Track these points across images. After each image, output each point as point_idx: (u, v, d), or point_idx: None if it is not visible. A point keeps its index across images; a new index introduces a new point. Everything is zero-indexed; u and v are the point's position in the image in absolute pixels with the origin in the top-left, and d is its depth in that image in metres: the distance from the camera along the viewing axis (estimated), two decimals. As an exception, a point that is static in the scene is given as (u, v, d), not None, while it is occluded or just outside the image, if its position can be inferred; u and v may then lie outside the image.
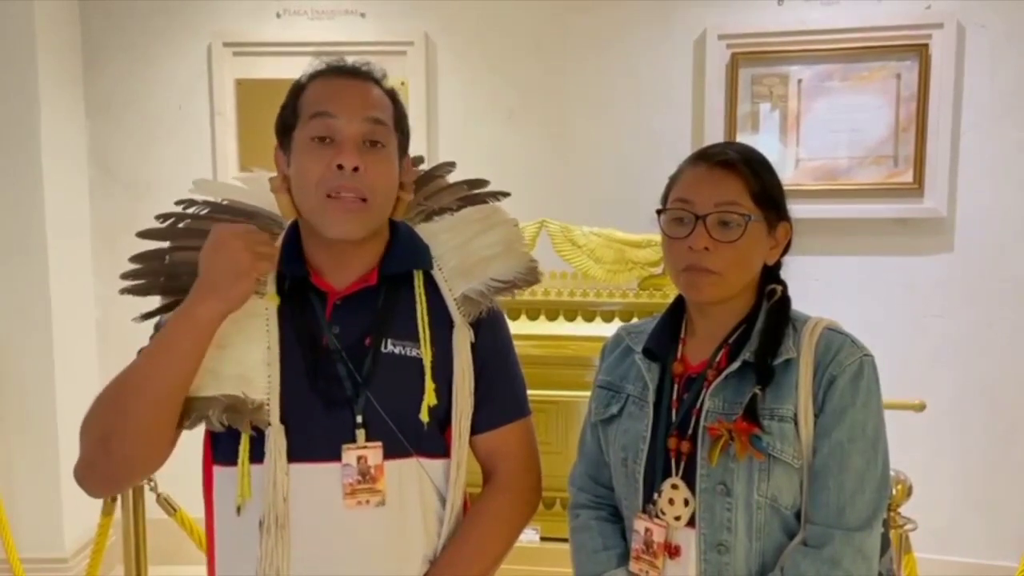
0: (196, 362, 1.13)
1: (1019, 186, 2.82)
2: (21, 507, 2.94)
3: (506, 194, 1.40)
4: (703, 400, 1.21)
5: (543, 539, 2.38)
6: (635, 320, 1.94)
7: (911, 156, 2.85)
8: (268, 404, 1.17)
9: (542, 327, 2.55)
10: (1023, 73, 2.79)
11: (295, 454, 1.17)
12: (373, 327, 1.22)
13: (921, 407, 2.31)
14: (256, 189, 1.35)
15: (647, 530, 1.22)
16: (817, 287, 2.70)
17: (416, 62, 3.04)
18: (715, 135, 2.89)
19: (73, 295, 3.08)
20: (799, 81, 2.90)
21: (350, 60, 1.24)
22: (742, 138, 2.90)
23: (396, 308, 1.24)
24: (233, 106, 3.12)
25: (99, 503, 2.43)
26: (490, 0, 3.04)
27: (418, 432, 1.22)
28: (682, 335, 1.30)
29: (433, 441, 1.24)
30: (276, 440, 1.16)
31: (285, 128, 1.22)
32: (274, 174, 1.27)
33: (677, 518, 1.20)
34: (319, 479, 1.18)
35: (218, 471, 1.21)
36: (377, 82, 1.23)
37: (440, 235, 1.31)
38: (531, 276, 1.31)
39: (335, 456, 1.18)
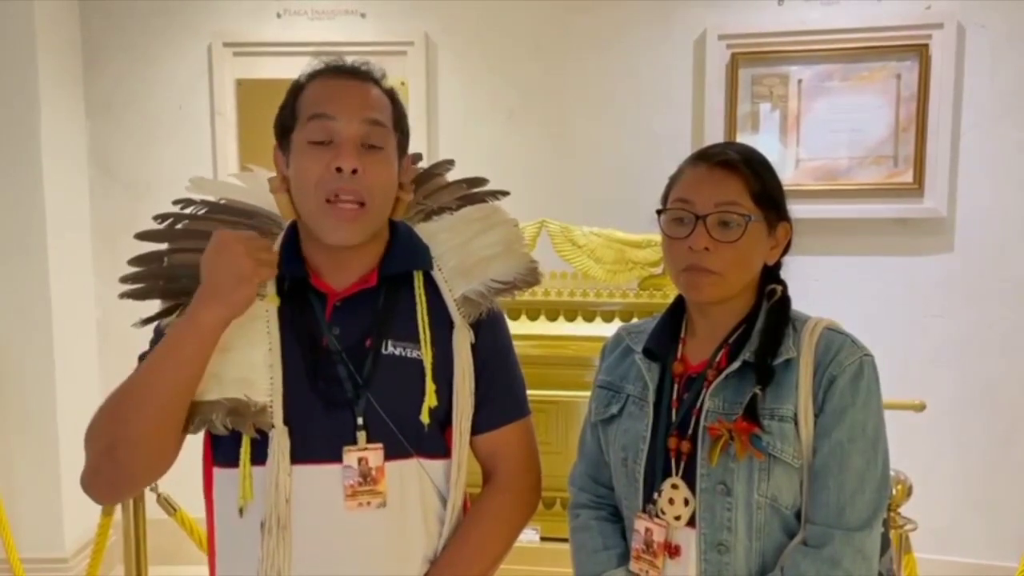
0: (200, 368, 1.13)
1: (1019, 186, 2.82)
2: (21, 507, 2.94)
3: (505, 193, 1.40)
4: (703, 400, 1.21)
5: (543, 539, 2.38)
6: (635, 320, 1.94)
7: (911, 156, 2.85)
8: (271, 406, 1.17)
9: (542, 327, 2.55)
10: (1023, 73, 2.79)
11: (296, 455, 1.17)
12: (373, 328, 1.22)
13: (921, 407, 2.31)
14: (254, 187, 1.35)
15: (647, 530, 1.23)
16: (817, 287, 2.69)
17: (416, 62, 3.04)
18: (715, 135, 2.89)
19: (73, 295, 3.08)
20: (799, 81, 2.90)
21: (349, 60, 1.24)
22: (742, 138, 2.90)
23: (396, 309, 1.24)
24: (233, 106, 3.12)
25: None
26: (490, 0, 3.04)
27: (419, 433, 1.21)
28: (682, 335, 1.30)
29: (434, 442, 1.23)
30: (280, 442, 1.16)
31: (284, 129, 1.22)
32: (272, 172, 1.27)
33: (677, 518, 1.21)
34: (320, 480, 1.17)
35: (218, 473, 1.21)
36: (376, 82, 1.23)
37: (439, 235, 1.31)
38: (531, 277, 1.31)
39: (336, 457, 1.18)
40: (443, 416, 1.24)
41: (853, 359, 1.17)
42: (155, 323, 1.27)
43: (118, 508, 2.39)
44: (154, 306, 1.28)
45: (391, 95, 1.24)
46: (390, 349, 1.22)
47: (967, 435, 2.92)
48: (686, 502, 1.20)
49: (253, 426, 1.16)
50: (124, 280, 1.27)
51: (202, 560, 1.34)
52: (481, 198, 1.37)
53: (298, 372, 1.19)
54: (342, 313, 1.22)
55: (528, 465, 1.32)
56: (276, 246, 1.26)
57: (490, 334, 1.29)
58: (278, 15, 3.10)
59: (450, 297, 1.26)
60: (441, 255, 1.29)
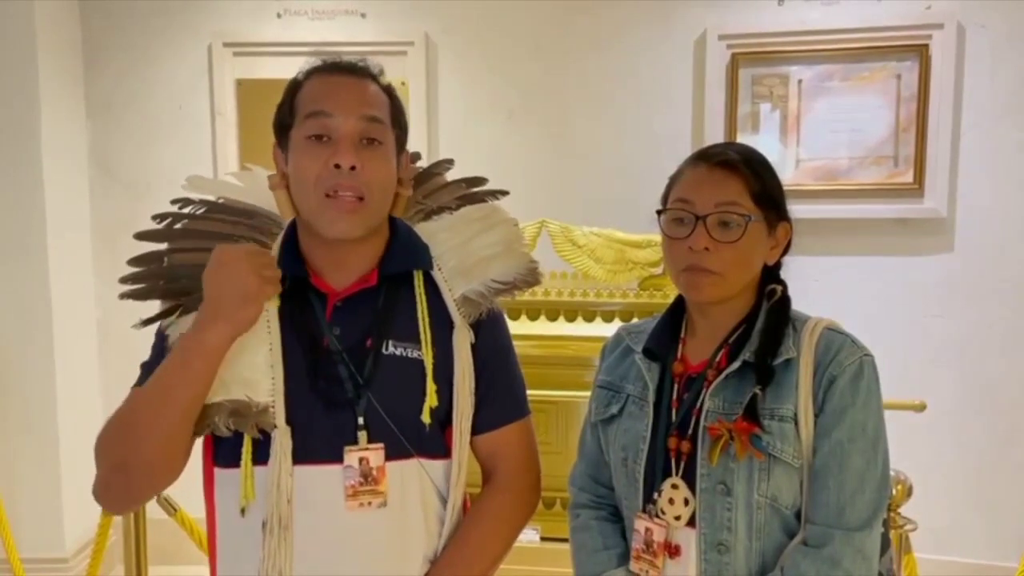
0: (207, 385, 1.13)
1: (1019, 186, 2.82)
2: (22, 507, 2.94)
3: (505, 192, 1.39)
4: (703, 400, 1.21)
5: (543, 539, 2.38)
6: (635, 320, 1.94)
7: (911, 156, 2.85)
8: (273, 406, 1.17)
9: (542, 327, 2.55)
10: (1023, 73, 2.79)
11: (297, 456, 1.17)
12: (374, 328, 1.22)
13: (921, 407, 2.31)
14: (251, 186, 1.35)
15: (647, 530, 1.23)
16: (817, 287, 2.69)
17: (416, 62, 3.04)
18: (715, 135, 2.89)
19: (74, 295, 3.08)
20: (799, 81, 2.90)
21: (346, 57, 1.24)
22: (742, 138, 2.90)
23: (396, 309, 1.24)
24: (233, 106, 3.12)
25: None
26: (490, 0, 3.04)
27: (419, 433, 1.21)
28: (682, 335, 1.30)
29: (434, 442, 1.23)
30: (282, 442, 1.16)
31: (282, 126, 1.22)
32: (271, 171, 1.27)
33: (677, 518, 1.21)
34: (321, 481, 1.18)
35: (219, 473, 1.21)
36: (374, 78, 1.23)
37: (439, 234, 1.31)
38: (531, 277, 1.31)
39: (337, 458, 1.18)
40: (443, 416, 1.24)
41: (853, 359, 1.18)
42: (157, 324, 1.27)
43: (118, 508, 2.39)
44: (154, 306, 1.28)
45: (388, 91, 1.24)
46: (391, 349, 1.22)
47: (967, 435, 2.92)
48: (686, 502, 1.20)
49: (255, 426, 1.16)
50: (124, 280, 1.27)
51: (202, 560, 1.34)
52: (481, 198, 1.37)
53: (299, 372, 1.19)
54: (342, 313, 1.22)
55: (528, 465, 1.32)
56: (276, 246, 1.26)
57: (490, 334, 1.29)
58: (278, 15, 3.11)
59: (450, 297, 1.26)
60: (441, 255, 1.28)
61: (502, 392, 1.29)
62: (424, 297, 1.25)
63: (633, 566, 1.25)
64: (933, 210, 2.85)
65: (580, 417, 1.46)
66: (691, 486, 1.20)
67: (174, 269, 1.27)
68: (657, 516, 1.22)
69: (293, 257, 1.23)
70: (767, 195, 1.22)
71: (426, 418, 1.21)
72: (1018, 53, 2.78)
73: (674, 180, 1.27)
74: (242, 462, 1.17)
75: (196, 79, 3.14)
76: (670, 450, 1.22)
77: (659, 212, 1.27)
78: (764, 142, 2.88)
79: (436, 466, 1.24)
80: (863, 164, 2.89)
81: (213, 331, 1.10)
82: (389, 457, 1.19)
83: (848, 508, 1.14)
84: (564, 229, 2.69)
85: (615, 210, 2.73)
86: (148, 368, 1.23)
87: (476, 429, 1.27)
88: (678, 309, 1.32)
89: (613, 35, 3.01)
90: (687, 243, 1.19)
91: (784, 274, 1.30)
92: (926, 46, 2.79)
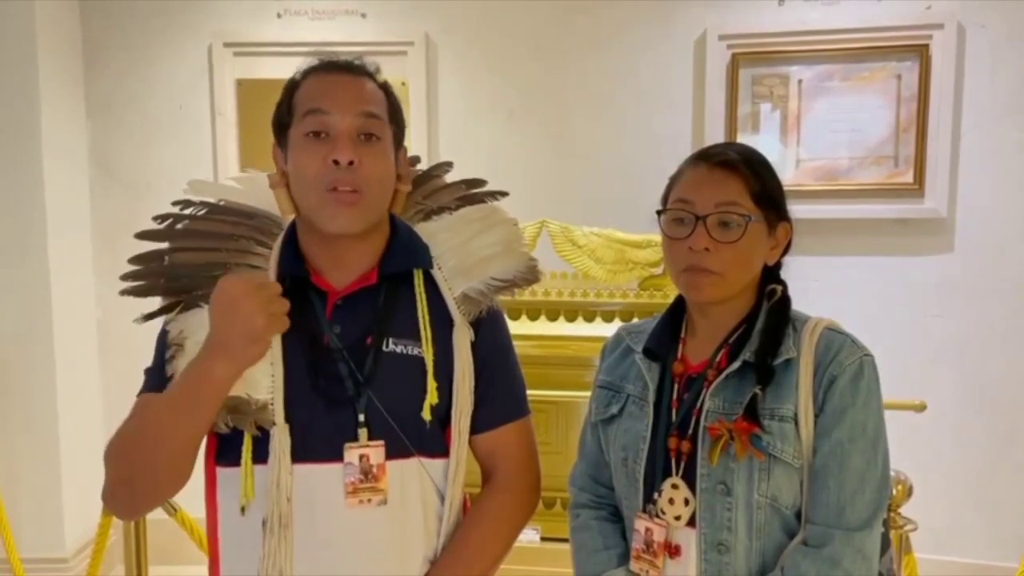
0: (214, 414, 1.14)
1: (1019, 186, 2.82)
2: (22, 507, 2.94)
3: (504, 193, 1.40)
4: (703, 400, 1.21)
5: (543, 539, 2.38)
6: (635, 320, 1.94)
7: (911, 156, 2.85)
8: (272, 404, 1.17)
9: (542, 327, 2.55)
10: (1023, 73, 2.79)
11: (297, 454, 1.17)
12: (374, 326, 1.22)
13: (922, 407, 2.31)
14: (252, 189, 1.35)
15: (647, 530, 1.23)
16: (817, 287, 2.69)
17: (416, 62, 3.04)
18: (715, 135, 2.89)
19: (74, 295, 3.08)
20: (800, 81, 2.90)
21: (343, 57, 1.25)
22: (742, 138, 2.90)
23: (397, 307, 1.24)
24: (234, 106, 3.13)
25: (100, 502, 2.43)
26: (490, 0, 3.04)
27: (420, 431, 1.22)
28: (682, 335, 1.30)
29: (434, 440, 1.24)
30: (280, 440, 1.16)
31: (281, 125, 1.23)
32: (270, 173, 1.27)
33: (677, 518, 1.21)
34: (321, 479, 1.18)
35: (221, 472, 1.21)
36: (370, 76, 1.24)
37: (439, 234, 1.31)
38: (531, 275, 1.31)
39: (337, 456, 1.18)
40: (444, 414, 1.24)
41: (853, 359, 1.18)
42: (156, 324, 1.27)
43: (118, 508, 2.39)
44: (155, 303, 1.28)
45: (385, 88, 1.25)
46: (391, 347, 1.22)
47: (967, 435, 2.92)
48: (686, 502, 1.20)
49: (254, 423, 1.16)
50: (125, 278, 1.27)
51: (202, 560, 1.34)
52: (480, 198, 1.38)
53: (299, 370, 1.19)
54: (343, 311, 1.22)
55: (527, 465, 1.33)
56: (276, 245, 1.27)
57: (490, 333, 1.29)
58: (278, 15, 3.11)
59: (450, 296, 1.26)
60: (441, 255, 1.29)
61: (502, 391, 1.30)
62: (424, 295, 1.25)
63: (633, 566, 1.25)
64: (933, 210, 2.85)
65: (580, 417, 1.46)
66: (691, 486, 1.20)
67: (175, 268, 1.27)
68: (657, 516, 1.22)
69: (293, 256, 1.24)
70: (767, 195, 1.22)
71: (426, 415, 1.21)
72: (1018, 53, 2.78)
73: (674, 180, 1.27)
74: (242, 460, 1.18)
75: (196, 79, 3.14)
76: (670, 450, 1.22)
77: (659, 212, 1.27)
78: (764, 142, 2.88)
79: (436, 465, 1.24)
80: (863, 164, 2.89)
81: (219, 367, 1.10)
82: (389, 455, 1.19)
83: (848, 508, 1.14)
84: (564, 229, 2.69)
85: (615, 210, 2.73)
86: (152, 373, 1.24)
87: (476, 428, 1.27)
88: (678, 309, 1.32)
89: (613, 35, 3.01)
90: (687, 243, 1.19)
91: (784, 274, 1.30)
92: (926, 46, 2.79)
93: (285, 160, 1.23)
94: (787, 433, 1.16)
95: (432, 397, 1.21)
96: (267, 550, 1.16)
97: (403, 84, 3.00)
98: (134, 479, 1.16)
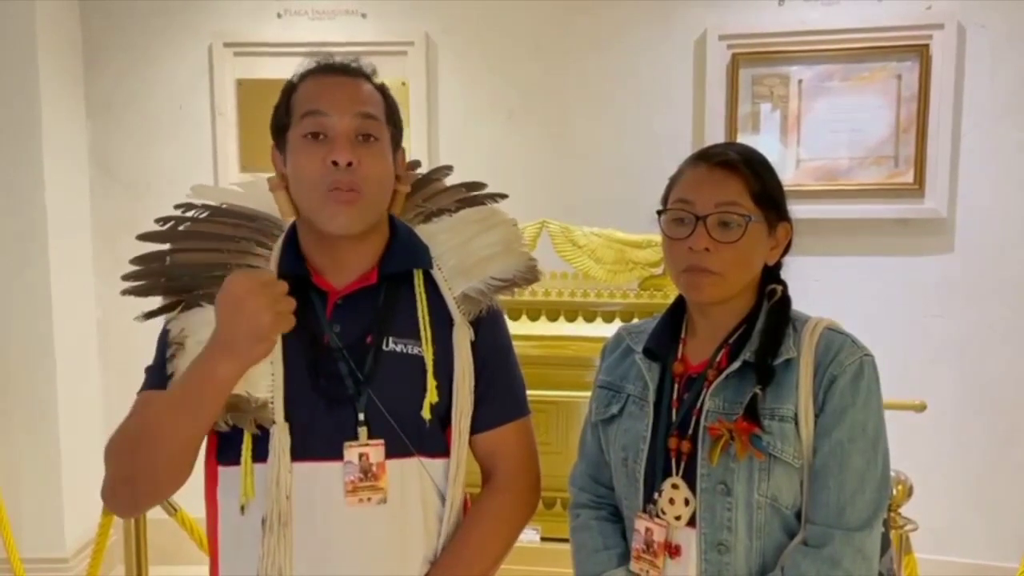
0: (216, 413, 1.13)
1: (1019, 186, 2.82)
2: (22, 507, 2.94)
3: (504, 196, 1.40)
4: (703, 400, 1.21)
5: (543, 539, 2.38)
6: (635, 320, 1.94)
7: (912, 156, 2.85)
8: (272, 402, 1.17)
9: (542, 327, 2.55)
10: (1023, 73, 2.79)
11: (297, 452, 1.18)
12: (374, 325, 1.22)
13: (922, 407, 2.31)
14: (254, 193, 1.35)
15: (647, 530, 1.23)
16: (817, 287, 2.69)
17: (416, 62, 3.04)
18: (715, 135, 2.89)
19: (74, 295, 3.08)
20: (800, 81, 2.90)
21: (339, 59, 1.25)
22: (743, 138, 2.90)
23: (397, 307, 1.25)
24: (234, 106, 3.12)
25: (100, 502, 2.43)
26: (490, 0, 3.04)
27: (420, 431, 1.22)
28: (682, 335, 1.30)
29: (434, 440, 1.24)
30: (280, 438, 1.17)
31: (279, 128, 1.24)
32: (272, 174, 1.27)
33: (677, 518, 1.21)
34: (321, 478, 1.18)
35: (222, 471, 1.22)
36: (367, 77, 1.24)
37: (439, 236, 1.32)
38: (530, 274, 1.32)
39: (337, 454, 1.18)
40: (444, 414, 1.24)
41: (853, 359, 1.18)
42: (157, 324, 1.27)
43: (119, 508, 2.39)
44: (155, 302, 1.29)
45: (382, 90, 1.26)
46: (391, 346, 1.22)
47: (967, 435, 2.92)
48: (686, 502, 1.20)
49: (254, 422, 1.16)
50: (126, 278, 1.27)
51: (202, 560, 1.34)
52: (480, 201, 1.38)
53: (299, 369, 1.20)
54: (343, 311, 1.23)
55: (527, 465, 1.33)
56: (277, 246, 1.27)
57: (490, 332, 1.29)
58: (278, 15, 3.11)
59: (450, 295, 1.27)
60: (441, 255, 1.29)
61: (502, 391, 1.30)
62: (424, 295, 1.25)
63: (633, 566, 1.25)
64: (933, 210, 2.85)
65: (580, 417, 1.46)
66: (691, 486, 1.20)
67: (176, 268, 1.27)
68: (657, 516, 1.22)
69: (294, 256, 1.25)
70: (767, 195, 1.22)
71: (426, 414, 1.21)
72: (1018, 53, 2.78)
73: (674, 180, 1.27)
74: (242, 459, 1.18)
75: (196, 79, 3.14)
76: (670, 450, 1.22)
77: (659, 212, 1.27)
78: (764, 142, 2.88)
79: (436, 465, 1.24)
80: (863, 164, 2.89)
81: (223, 366, 1.09)
82: (389, 455, 1.19)
83: (848, 508, 1.14)
84: (564, 229, 2.69)
85: (615, 210, 2.73)
86: (153, 372, 1.24)
87: (475, 427, 1.27)
88: (678, 309, 1.32)
89: (613, 35, 3.01)
90: (687, 243, 1.19)
91: (784, 274, 1.30)
92: (926, 46, 2.79)
93: (284, 163, 1.23)
94: (787, 433, 1.16)
95: (432, 396, 1.21)
96: (266, 549, 1.16)
97: (403, 84, 3.00)
98: (135, 477, 1.16)
